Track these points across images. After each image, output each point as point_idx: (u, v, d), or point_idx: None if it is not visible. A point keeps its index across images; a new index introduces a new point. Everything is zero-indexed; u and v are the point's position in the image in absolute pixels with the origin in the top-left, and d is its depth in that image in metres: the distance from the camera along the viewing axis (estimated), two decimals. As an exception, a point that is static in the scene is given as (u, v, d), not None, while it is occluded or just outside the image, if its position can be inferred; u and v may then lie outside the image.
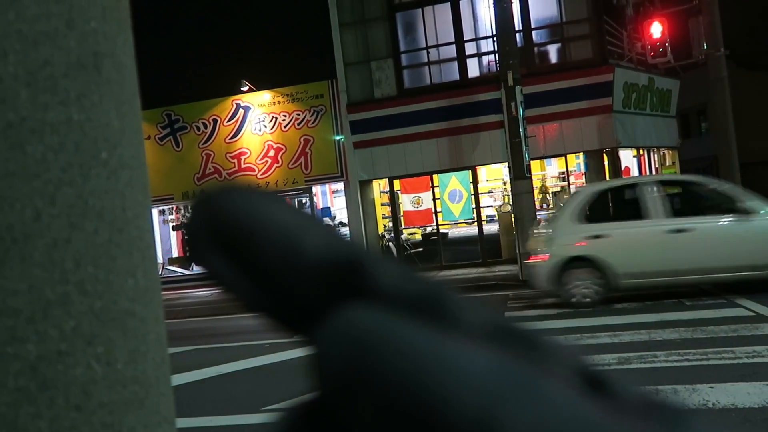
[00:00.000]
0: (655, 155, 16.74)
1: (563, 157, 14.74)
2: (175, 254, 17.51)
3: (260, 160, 15.91)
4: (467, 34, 14.74)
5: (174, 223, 17.40)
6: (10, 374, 0.41)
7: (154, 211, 17.21)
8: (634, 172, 15.65)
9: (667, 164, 17.46)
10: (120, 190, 0.49)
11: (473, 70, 14.83)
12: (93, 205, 0.46)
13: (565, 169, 15.06)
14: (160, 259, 17.20)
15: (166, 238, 17.55)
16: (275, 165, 15.82)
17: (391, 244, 15.56)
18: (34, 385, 0.42)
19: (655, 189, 8.53)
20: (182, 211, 17.19)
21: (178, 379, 6.59)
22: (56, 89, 0.45)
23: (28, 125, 0.43)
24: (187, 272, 17.21)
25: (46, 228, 0.43)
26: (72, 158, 0.45)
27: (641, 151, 15.90)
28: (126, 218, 0.49)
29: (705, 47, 10.86)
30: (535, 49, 14.61)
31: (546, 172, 16.26)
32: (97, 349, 0.45)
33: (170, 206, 17.06)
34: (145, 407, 0.49)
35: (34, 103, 0.43)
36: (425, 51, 15.00)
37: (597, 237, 8.24)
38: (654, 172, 16.57)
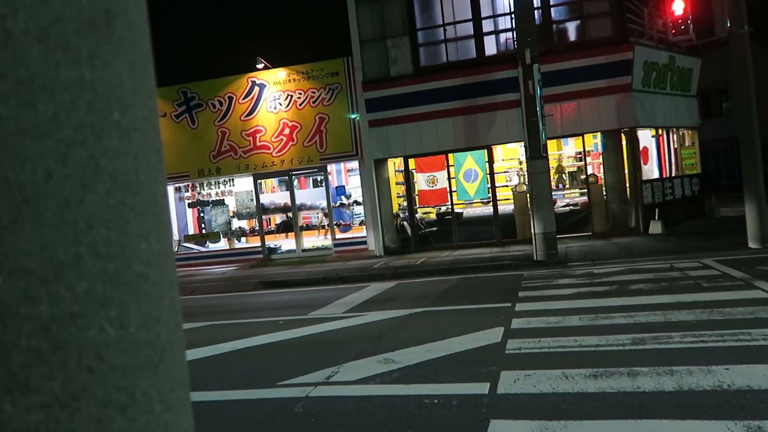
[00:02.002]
0: (674, 135, 16.50)
1: (580, 137, 14.58)
2: (191, 231, 17.62)
3: (275, 138, 15.91)
4: (485, 11, 14.54)
5: (189, 201, 17.48)
6: (23, 335, 0.41)
7: (170, 188, 17.32)
8: (653, 153, 15.46)
9: (686, 145, 17.21)
10: (133, 152, 0.48)
11: (490, 47, 14.65)
12: (105, 166, 0.45)
13: (582, 149, 14.90)
14: (176, 236, 17.34)
15: (182, 215, 17.65)
16: (290, 143, 15.82)
17: (405, 223, 15.55)
18: (47, 346, 0.42)
19: None
20: (198, 189, 17.27)
21: (194, 354, 6.67)
22: (67, 47, 0.44)
23: (39, 83, 0.42)
24: (202, 249, 17.34)
25: (58, 188, 0.43)
26: (84, 118, 0.44)
27: (660, 131, 15.68)
28: (139, 181, 0.48)
29: (728, 24, 10.62)
30: (554, 26, 14.38)
31: (563, 152, 16.10)
32: (110, 312, 0.45)
33: (186, 183, 17.14)
34: (158, 372, 0.49)
35: (45, 60, 0.42)
36: (442, 28, 14.83)
37: None
38: (673, 153, 16.36)
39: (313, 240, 16.91)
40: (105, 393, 0.44)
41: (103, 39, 0.46)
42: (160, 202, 0.51)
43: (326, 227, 16.39)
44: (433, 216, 15.98)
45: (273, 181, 17.26)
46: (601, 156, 14.73)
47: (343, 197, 16.56)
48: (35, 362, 0.42)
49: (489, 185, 14.75)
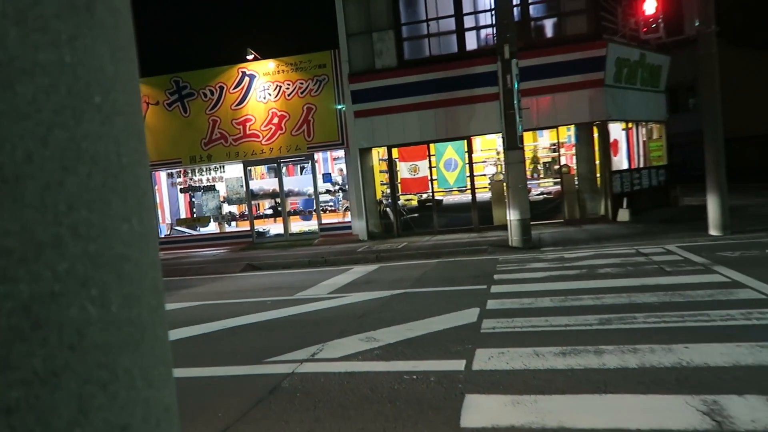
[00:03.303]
0: (643, 129, 16.62)
1: (555, 129, 14.64)
2: (183, 215, 17.48)
3: (264, 126, 15.78)
4: (466, 7, 14.48)
5: (181, 186, 17.32)
6: (2, 313, 0.39)
7: (163, 174, 17.14)
8: (623, 145, 15.57)
9: (654, 138, 17.34)
10: (114, 136, 0.46)
11: (471, 43, 14.61)
12: (86, 149, 0.44)
13: (556, 141, 14.97)
14: (168, 220, 17.19)
15: (174, 200, 17.50)
16: (279, 132, 15.70)
17: (388, 209, 15.54)
18: (27, 324, 0.41)
19: None
20: (189, 175, 17.10)
21: (185, 332, 6.64)
22: (47, 29, 0.42)
23: (18, 64, 0.40)
24: (194, 233, 17.22)
25: (38, 170, 0.41)
26: (64, 101, 0.42)
27: (630, 125, 15.78)
28: (121, 164, 0.47)
29: (697, 23, 10.67)
30: (532, 23, 14.37)
31: (538, 143, 16.15)
32: (91, 291, 0.43)
33: (178, 170, 16.97)
34: (140, 349, 0.47)
35: (24, 42, 0.41)
36: (425, 23, 14.75)
37: None
38: (641, 146, 16.48)
39: (300, 224, 16.85)
40: (86, 370, 0.43)
41: (83, 22, 0.45)
42: (142, 185, 0.50)
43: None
44: (414, 203, 15.98)
45: (262, 168, 17.14)
46: (574, 147, 14.80)
47: (329, 184, 16.50)
48: (15, 340, 0.40)
49: (468, 174, 14.78)
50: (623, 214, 13.96)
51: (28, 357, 0.41)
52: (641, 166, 16.23)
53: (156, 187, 17.11)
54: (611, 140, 14.61)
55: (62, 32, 0.43)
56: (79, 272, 0.43)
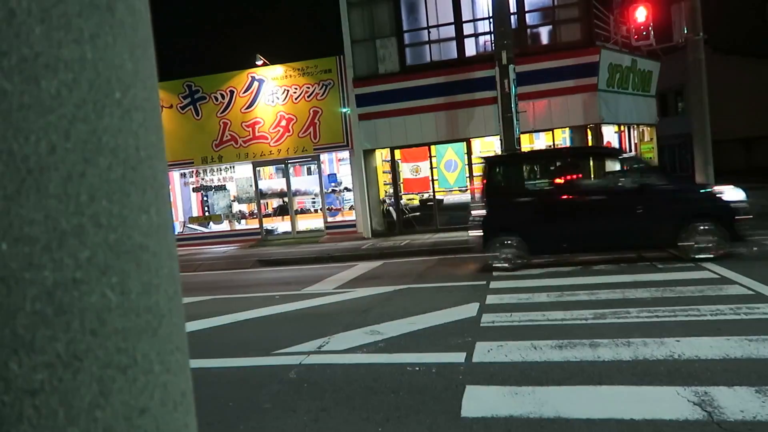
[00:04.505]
0: (635, 131, 16.58)
1: (551, 132, 14.60)
2: (195, 214, 17.50)
3: (273, 129, 15.78)
4: (465, 15, 14.46)
5: (194, 186, 17.35)
6: (27, 298, 0.39)
7: (176, 174, 17.15)
8: (615, 146, 15.52)
9: (646, 140, 17.30)
10: (134, 130, 0.46)
11: (470, 49, 14.59)
12: (107, 142, 0.44)
13: (552, 143, 14.93)
14: (181, 218, 17.22)
15: (187, 198, 17.51)
16: (286, 134, 15.70)
17: (391, 208, 15.53)
18: (51, 309, 0.40)
19: None
20: (201, 175, 17.12)
21: (197, 324, 6.65)
22: (70, 27, 0.42)
23: (42, 60, 0.40)
24: (205, 230, 17.24)
25: (61, 161, 0.41)
26: (86, 95, 0.42)
27: (622, 128, 15.74)
28: (140, 157, 0.47)
29: (685, 31, 10.64)
30: (528, 30, 14.33)
31: (534, 145, 16.11)
32: (111, 279, 0.43)
33: (190, 170, 16.99)
34: (158, 336, 0.47)
35: (48, 39, 0.41)
36: (426, 30, 14.73)
37: None
38: (633, 148, 16.44)
39: (307, 222, 16.86)
40: (107, 354, 0.43)
41: (104, 21, 0.44)
42: (159, 177, 0.50)
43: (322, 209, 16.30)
44: (416, 202, 15.96)
45: (270, 169, 17.14)
46: (568, 149, 14.76)
47: (334, 184, 16.50)
48: (40, 324, 0.40)
49: (467, 175, 14.76)
50: (616, 213, 13.91)
51: (51, 341, 0.41)
52: (633, 167, 16.17)
53: (169, 187, 17.00)
54: (605, 142, 14.57)
55: (84, 30, 0.43)
56: (100, 260, 0.43)
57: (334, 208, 16.40)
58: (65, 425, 0.40)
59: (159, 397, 0.47)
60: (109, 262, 0.43)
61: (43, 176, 0.40)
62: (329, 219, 16.20)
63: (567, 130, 14.53)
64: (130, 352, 0.45)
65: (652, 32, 12.12)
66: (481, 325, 5.64)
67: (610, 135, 15.18)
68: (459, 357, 4.71)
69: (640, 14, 12.11)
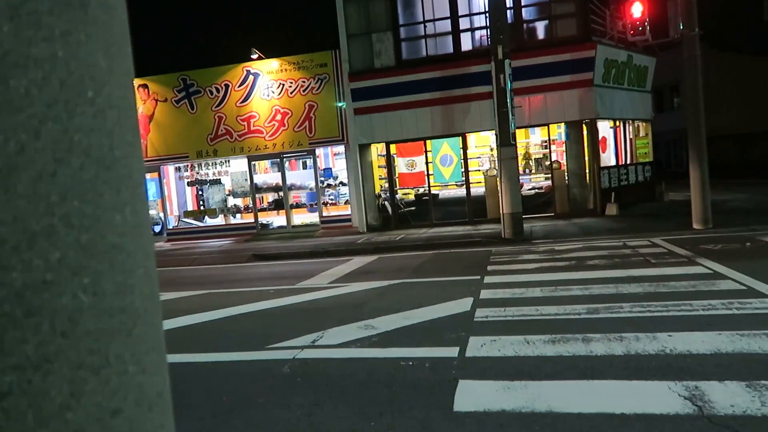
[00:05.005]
0: (630, 127, 16.60)
1: (546, 127, 14.61)
2: (190, 208, 17.45)
3: (268, 123, 15.74)
4: (462, 9, 14.42)
5: (189, 180, 17.30)
6: (-5, 300, 0.39)
7: (171, 168, 17.09)
8: (610, 142, 15.55)
9: (641, 135, 17.33)
10: (108, 129, 0.45)
11: (466, 43, 14.56)
12: (79, 141, 0.43)
13: (547, 138, 14.94)
14: (176, 212, 17.16)
15: (181, 192, 17.47)
16: (282, 128, 15.66)
17: (386, 203, 15.53)
18: (20, 311, 0.40)
19: None
20: (196, 169, 17.08)
21: (191, 319, 6.64)
22: (40, 25, 0.41)
23: (11, 59, 0.40)
24: (201, 224, 17.20)
25: (31, 161, 0.40)
26: (57, 94, 0.42)
27: (617, 123, 15.76)
28: (114, 156, 0.46)
29: (681, 27, 10.64)
30: (524, 25, 14.31)
31: (530, 140, 16.12)
32: (83, 280, 0.43)
33: (185, 164, 16.93)
34: (133, 336, 0.47)
35: (17, 37, 0.40)
36: (422, 25, 14.70)
37: None
38: (628, 143, 16.47)
39: (302, 217, 16.84)
40: (78, 356, 0.43)
41: (76, 18, 0.44)
42: (135, 176, 0.49)
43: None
44: (411, 197, 15.97)
45: (266, 163, 17.10)
46: (564, 144, 14.78)
47: (330, 178, 16.47)
48: (9, 327, 0.40)
49: (463, 169, 14.76)
50: (611, 209, 13.96)
51: (21, 343, 0.40)
52: (628, 162, 16.23)
53: (165, 181, 17.07)
54: (600, 137, 14.59)
55: (55, 27, 0.42)
56: (72, 261, 0.42)
57: (328, 203, 16.36)
58: (34, 427, 0.39)
59: (133, 397, 0.46)
60: (81, 263, 0.43)
61: (12, 176, 0.40)
62: (312, 213, 16.17)
63: (562, 125, 14.55)
64: (103, 353, 0.44)
65: (648, 28, 12.10)
66: (475, 319, 5.65)
67: (605, 130, 15.20)
68: (452, 352, 4.72)
69: (636, 10, 12.10)
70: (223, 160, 16.62)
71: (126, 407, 0.46)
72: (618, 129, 15.87)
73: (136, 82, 16.18)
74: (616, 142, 15.80)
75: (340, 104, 15.21)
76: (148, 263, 0.50)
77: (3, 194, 0.40)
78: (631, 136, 16.64)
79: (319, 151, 16.33)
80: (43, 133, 0.41)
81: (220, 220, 17.12)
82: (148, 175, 17.23)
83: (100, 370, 0.44)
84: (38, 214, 0.41)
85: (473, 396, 3.80)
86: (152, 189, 17.29)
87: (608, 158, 15.31)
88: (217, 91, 15.93)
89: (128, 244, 0.47)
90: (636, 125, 16.93)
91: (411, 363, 4.54)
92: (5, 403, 0.39)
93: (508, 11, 12.93)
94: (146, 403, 0.48)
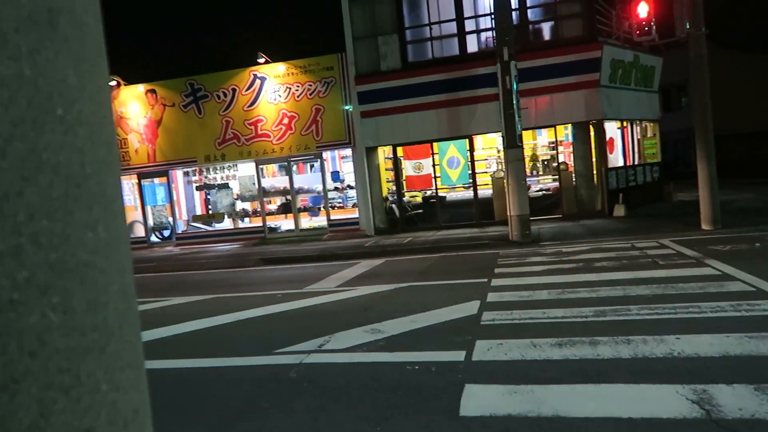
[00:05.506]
0: (638, 127, 16.51)
1: (553, 128, 14.55)
2: (198, 212, 17.53)
3: (275, 127, 15.78)
4: (467, 11, 14.41)
5: (197, 184, 17.37)
6: (-41, 322, 0.39)
7: (179, 173, 17.18)
8: (618, 143, 15.47)
9: (648, 136, 17.22)
10: (78, 146, 0.45)
11: (472, 45, 14.54)
12: (47, 159, 0.43)
13: (554, 139, 14.88)
14: (185, 217, 17.23)
15: (190, 197, 17.55)
16: (289, 132, 15.70)
17: (394, 205, 15.52)
18: (-15, 332, 0.40)
19: None
20: (204, 173, 17.15)
21: (199, 324, 6.65)
22: (6, 43, 0.41)
23: (-26, 79, 0.40)
24: (209, 228, 17.26)
25: (-4, 180, 0.40)
26: (24, 113, 0.41)
27: (624, 123, 15.68)
28: (85, 173, 0.46)
29: (687, 26, 10.57)
30: (530, 26, 14.28)
31: (537, 142, 16.07)
32: (52, 298, 0.42)
33: (194, 168, 17.01)
34: (106, 353, 0.46)
35: (-20, 56, 0.40)
36: (428, 27, 14.70)
37: None
38: (636, 143, 16.37)
39: (310, 220, 16.86)
40: (47, 375, 0.42)
41: (44, 36, 0.43)
42: (109, 192, 0.49)
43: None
44: (419, 199, 15.95)
45: (273, 167, 17.15)
46: (571, 145, 14.72)
47: (337, 182, 16.49)
48: (-27, 347, 0.40)
49: (470, 172, 14.74)
50: (619, 210, 13.88)
51: (-14, 364, 0.40)
52: (636, 163, 16.14)
53: (173, 185, 17.15)
54: (607, 138, 14.52)
55: (22, 46, 0.42)
56: (40, 280, 0.42)
57: (336, 206, 16.37)
58: (1, 449, 0.39)
59: (106, 416, 0.46)
60: (50, 282, 0.42)
61: (-23, 197, 0.40)
62: (320, 217, 16.17)
63: (569, 126, 14.49)
64: (74, 372, 0.44)
65: (654, 27, 12.03)
66: (482, 323, 5.63)
67: (612, 131, 15.14)
68: (459, 355, 4.70)
69: (642, 9, 12.03)
70: (231, 165, 16.68)
71: (98, 426, 0.45)
72: (625, 129, 15.79)
73: (144, 87, 16.34)
74: (624, 143, 15.71)
75: (346, 107, 15.23)
76: (124, 279, 0.50)
77: (-33, 215, 0.39)
78: (638, 137, 16.55)
79: (326, 155, 16.35)
80: (9, 152, 0.41)
81: (228, 224, 17.18)
82: (157, 180, 17.37)
83: (70, 389, 0.43)
84: (4, 233, 0.41)
85: (479, 400, 3.79)
86: (161, 194, 17.38)
87: (616, 159, 15.23)
88: (225, 95, 16.00)
89: (101, 261, 0.46)
90: (643, 125, 16.84)
91: (417, 367, 4.52)
92: (-29, 425, 0.39)
93: (514, 12, 12.90)
94: (120, 421, 0.47)
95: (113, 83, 16.48)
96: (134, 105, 16.72)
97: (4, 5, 0.42)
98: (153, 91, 16.49)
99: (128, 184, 17.42)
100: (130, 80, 16.48)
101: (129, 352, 0.50)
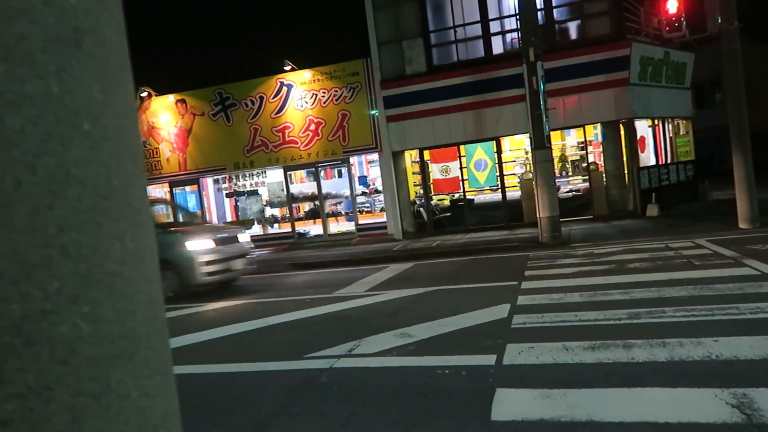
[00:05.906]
0: (670, 125, 16.17)
1: (582, 128, 14.36)
2: (228, 219, 17.77)
3: (302, 133, 15.93)
4: (492, 12, 14.34)
5: (227, 191, 17.64)
6: (-5, 332, 0.40)
7: (209, 180, 17.46)
8: (649, 141, 15.18)
9: (681, 134, 16.86)
10: (104, 160, 0.47)
11: (497, 47, 14.46)
12: (75, 174, 0.44)
13: (583, 139, 14.68)
14: (216, 223, 17.49)
15: (220, 204, 17.82)
16: (316, 138, 15.83)
17: (421, 209, 15.50)
18: (19, 341, 0.41)
19: None
20: (234, 180, 17.40)
21: (230, 330, 6.74)
22: (34, 63, 0.42)
23: (5, 98, 0.41)
24: (239, 235, 17.47)
25: (27, 195, 0.42)
26: (52, 129, 0.43)
27: (656, 122, 15.37)
28: (112, 186, 0.47)
29: (719, 21, 10.33)
30: (556, 26, 14.13)
31: (566, 142, 15.89)
32: (82, 308, 0.44)
33: (223, 176, 17.27)
34: (135, 361, 0.48)
35: (10, 76, 0.41)
36: (452, 30, 14.67)
37: None
38: (668, 142, 16.04)
39: (338, 225, 16.95)
40: (78, 382, 0.44)
41: (70, 55, 0.45)
42: (135, 204, 0.50)
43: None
44: (446, 202, 15.91)
45: (301, 173, 17.30)
46: (601, 145, 14.50)
47: (364, 186, 16.55)
48: (8, 356, 0.41)
49: (498, 174, 14.64)
50: (652, 209, 13.61)
51: (21, 372, 0.42)
52: (669, 161, 15.80)
53: (204, 193, 17.45)
54: (638, 137, 14.26)
55: (49, 65, 0.44)
56: (70, 291, 0.43)
57: (363, 210, 16.41)
58: (35, 455, 0.41)
59: (136, 422, 0.47)
60: (80, 292, 0.44)
61: (9, 211, 0.41)
62: (348, 221, 16.23)
63: (599, 125, 14.29)
64: (104, 379, 0.45)
65: (685, 23, 11.78)
66: (512, 326, 5.58)
67: (643, 129, 14.86)
68: (489, 359, 4.66)
69: (672, 5, 11.79)
70: (260, 171, 16.89)
71: (128, 431, 0.47)
72: (657, 128, 15.48)
73: (174, 97, 16.66)
74: (656, 141, 15.41)
75: (372, 112, 15.29)
76: (151, 288, 0.51)
77: (1, 228, 0.41)
78: (670, 135, 16.21)
79: (354, 160, 16.43)
80: (39, 168, 0.43)
81: (257, 230, 17.38)
82: (188, 188, 17.68)
83: (100, 396, 0.45)
84: (36, 246, 0.42)
85: (511, 404, 3.75)
86: (192, 201, 17.68)
87: (647, 158, 14.94)
88: (252, 103, 16.22)
89: (128, 271, 0.48)
90: (676, 123, 16.49)
91: (447, 371, 4.50)
92: (8, 431, 0.40)
93: (539, 12, 12.80)
94: (150, 427, 0.49)
95: (145, 94, 16.86)
96: (165, 115, 17.06)
97: (32, 26, 0.43)
98: (183, 101, 16.81)
99: (160, 193, 17.77)
100: (161, 91, 16.84)
101: (157, 359, 0.51)
